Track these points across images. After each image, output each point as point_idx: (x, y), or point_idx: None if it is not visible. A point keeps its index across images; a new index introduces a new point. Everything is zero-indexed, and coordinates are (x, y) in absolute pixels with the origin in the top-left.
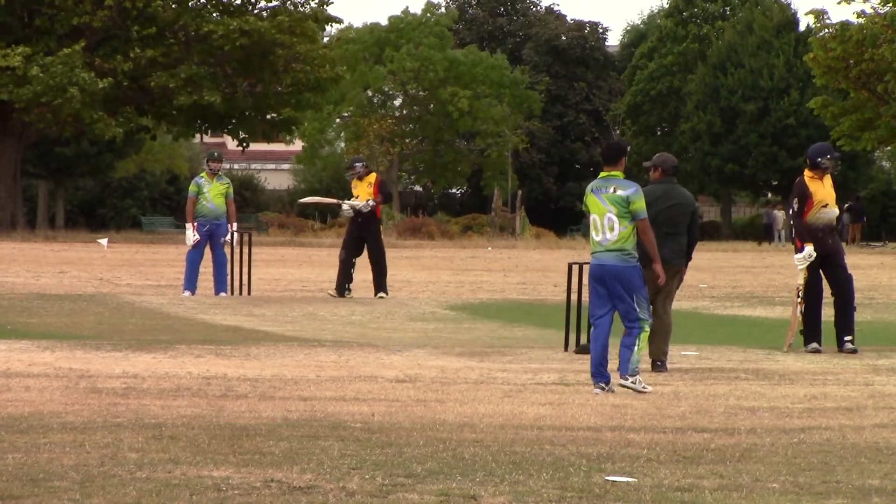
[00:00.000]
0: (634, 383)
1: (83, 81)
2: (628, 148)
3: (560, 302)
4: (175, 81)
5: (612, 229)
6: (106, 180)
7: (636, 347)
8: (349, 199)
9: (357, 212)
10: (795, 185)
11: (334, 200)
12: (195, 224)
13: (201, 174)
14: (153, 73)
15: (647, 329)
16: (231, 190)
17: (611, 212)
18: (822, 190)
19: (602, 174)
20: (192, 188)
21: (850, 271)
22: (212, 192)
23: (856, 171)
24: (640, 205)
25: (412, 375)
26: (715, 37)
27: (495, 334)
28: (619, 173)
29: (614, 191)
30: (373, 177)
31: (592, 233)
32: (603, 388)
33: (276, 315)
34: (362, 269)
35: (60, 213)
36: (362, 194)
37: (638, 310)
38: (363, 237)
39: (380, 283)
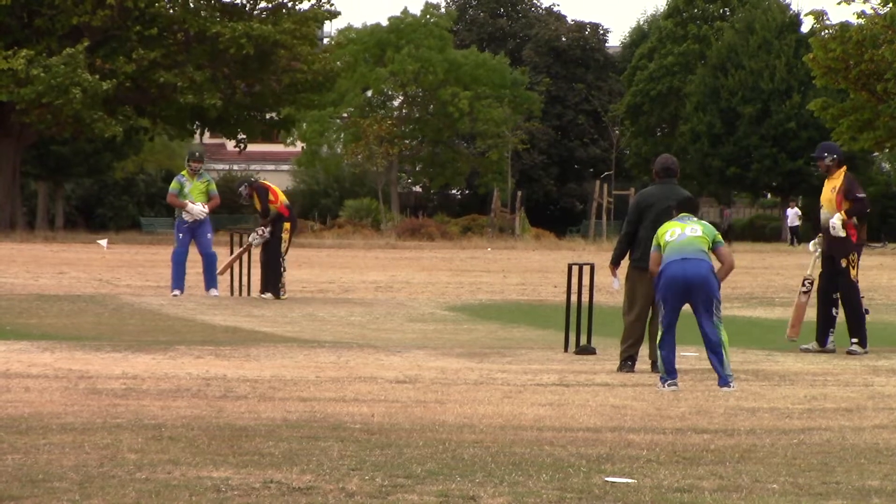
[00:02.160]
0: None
1: (86, 82)
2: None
3: (560, 303)
4: (182, 80)
5: (693, 232)
6: (104, 179)
7: (725, 352)
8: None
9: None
10: None
11: (241, 251)
12: (179, 221)
13: (183, 172)
14: (158, 72)
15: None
16: (213, 186)
17: (696, 225)
18: (823, 191)
19: (683, 215)
20: (173, 185)
21: (827, 274)
22: (193, 192)
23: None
24: (720, 237)
25: (412, 376)
26: (715, 38)
27: (495, 335)
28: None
29: (699, 220)
30: (255, 194)
31: (667, 237)
32: (677, 385)
33: (276, 316)
34: (363, 271)
35: (59, 213)
36: (259, 207)
37: (717, 307)
38: (266, 242)
39: (270, 285)
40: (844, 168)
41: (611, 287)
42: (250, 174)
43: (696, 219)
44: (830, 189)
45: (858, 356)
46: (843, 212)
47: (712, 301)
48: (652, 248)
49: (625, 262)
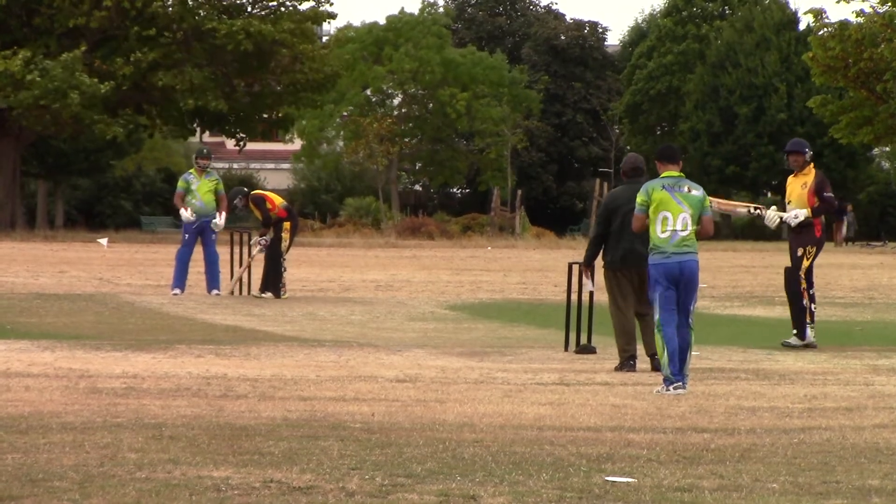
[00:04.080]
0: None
1: (84, 85)
2: None
3: (560, 302)
4: (181, 83)
5: (685, 228)
6: (102, 179)
7: (689, 353)
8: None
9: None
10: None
11: (246, 266)
12: (186, 214)
13: (190, 171)
14: (157, 75)
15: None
16: (220, 185)
17: (686, 212)
18: (792, 187)
19: (667, 173)
20: (180, 184)
21: (791, 264)
22: (201, 190)
23: (854, 171)
24: (708, 202)
25: (412, 375)
26: (714, 36)
27: (495, 334)
28: (682, 173)
29: (689, 190)
30: (251, 204)
31: (658, 229)
32: (684, 388)
33: (276, 315)
34: (363, 270)
35: (59, 212)
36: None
37: (693, 309)
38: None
39: (271, 284)
40: (812, 164)
41: (586, 287)
42: (250, 173)
43: (686, 186)
44: (801, 185)
45: (858, 355)
46: (810, 209)
47: (692, 299)
48: (637, 210)
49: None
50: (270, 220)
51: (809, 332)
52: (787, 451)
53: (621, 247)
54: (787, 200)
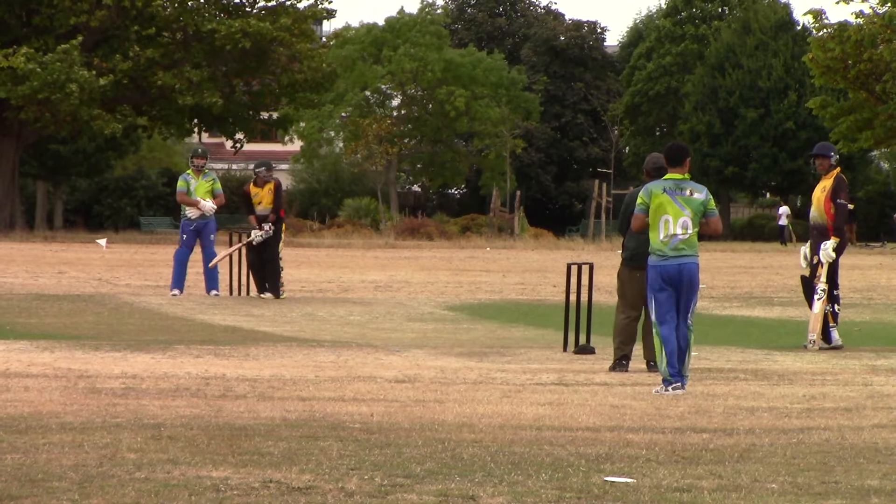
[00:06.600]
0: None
1: (82, 78)
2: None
3: (559, 302)
4: (179, 82)
5: (685, 231)
6: (103, 181)
7: (688, 353)
8: (254, 224)
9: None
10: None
11: (239, 245)
12: (185, 221)
13: (188, 171)
14: (156, 73)
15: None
16: (217, 185)
17: (687, 215)
18: (815, 189)
19: (669, 175)
20: (180, 184)
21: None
22: (199, 191)
23: (853, 172)
24: (713, 203)
25: (411, 376)
26: (713, 37)
27: (494, 335)
28: (687, 175)
29: (690, 193)
30: (272, 184)
31: (658, 232)
32: (683, 388)
33: (275, 315)
34: (362, 271)
35: (59, 213)
36: (264, 200)
37: (693, 310)
38: (265, 241)
39: (271, 284)
40: (838, 169)
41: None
42: (249, 174)
43: (688, 189)
44: (821, 189)
45: (857, 355)
46: (833, 238)
47: (692, 300)
48: (636, 210)
49: (617, 261)
50: (279, 208)
51: (835, 334)
52: (786, 452)
53: (636, 245)
54: (810, 202)
